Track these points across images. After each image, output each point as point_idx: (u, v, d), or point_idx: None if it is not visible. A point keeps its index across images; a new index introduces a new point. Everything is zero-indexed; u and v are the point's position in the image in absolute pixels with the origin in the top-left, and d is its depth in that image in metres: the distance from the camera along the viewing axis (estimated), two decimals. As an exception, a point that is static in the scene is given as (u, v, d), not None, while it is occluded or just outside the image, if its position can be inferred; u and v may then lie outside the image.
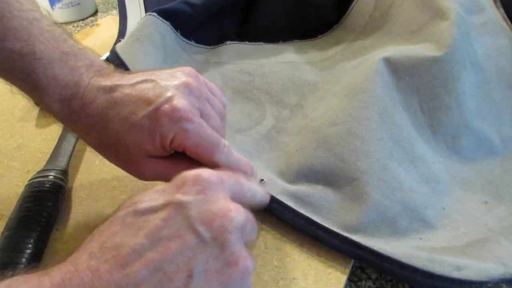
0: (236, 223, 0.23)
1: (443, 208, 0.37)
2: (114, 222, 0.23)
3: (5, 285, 0.20)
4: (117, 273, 0.21)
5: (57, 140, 0.42)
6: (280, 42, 0.56)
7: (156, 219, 0.23)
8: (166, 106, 0.29)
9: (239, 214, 0.24)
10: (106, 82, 0.31)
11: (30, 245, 0.31)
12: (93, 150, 0.32)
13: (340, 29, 0.56)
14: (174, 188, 0.24)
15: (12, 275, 0.21)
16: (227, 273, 0.22)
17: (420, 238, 0.35)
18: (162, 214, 0.23)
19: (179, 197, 0.23)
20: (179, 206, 0.23)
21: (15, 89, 0.33)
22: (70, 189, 0.38)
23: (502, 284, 0.30)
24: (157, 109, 0.29)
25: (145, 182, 0.37)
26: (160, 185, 0.25)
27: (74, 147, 0.41)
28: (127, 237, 0.22)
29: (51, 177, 0.36)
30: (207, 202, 0.23)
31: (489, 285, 0.29)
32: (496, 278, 0.30)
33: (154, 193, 0.24)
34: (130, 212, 0.23)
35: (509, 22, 0.48)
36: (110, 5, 0.76)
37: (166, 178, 0.28)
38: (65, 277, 0.21)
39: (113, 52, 0.49)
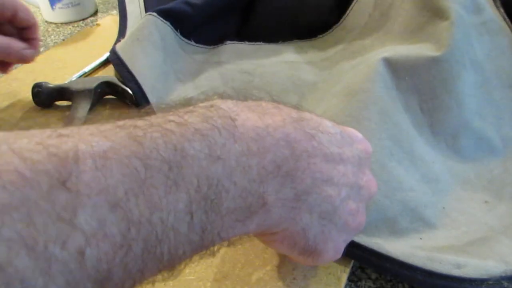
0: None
1: (444, 207, 0.37)
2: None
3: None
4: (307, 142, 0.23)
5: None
6: (279, 42, 0.56)
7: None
8: None
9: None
10: None
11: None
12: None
13: (340, 29, 0.56)
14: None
15: None
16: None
17: (421, 238, 0.35)
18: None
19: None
20: None
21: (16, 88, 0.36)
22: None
23: (503, 282, 0.30)
24: None
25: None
26: None
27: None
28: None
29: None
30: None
31: (490, 283, 0.29)
32: (497, 276, 0.30)
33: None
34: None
35: (509, 22, 0.48)
36: (110, 5, 0.76)
37: None
38: None
39: (113, 52, 0.49)
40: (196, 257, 0.21)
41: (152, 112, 0.20)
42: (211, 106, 0.21)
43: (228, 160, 0.20)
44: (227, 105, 0.22)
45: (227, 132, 0.20)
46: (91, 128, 0.18)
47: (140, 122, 0.19)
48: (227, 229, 0.20)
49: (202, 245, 0.20)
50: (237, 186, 0.20)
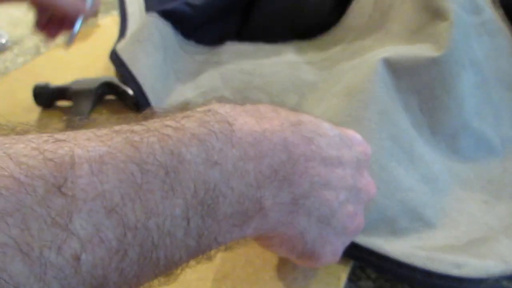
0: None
1: (443, 207, 0.37)
2: None
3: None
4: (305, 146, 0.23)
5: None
6: (279, 42, 0.56)
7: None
8: None
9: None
10: None
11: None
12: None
13: (339, 29, 0.56)
14: None
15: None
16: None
17: (420, 238, 0.35)
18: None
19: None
20: None
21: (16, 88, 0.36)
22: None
23: (502, 281, 0.30)
24: None
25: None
26: None
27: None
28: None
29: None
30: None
31: (489, 282, 0.30)
32: (496, 275, 0.30)
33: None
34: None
35: (508, 23, 0.48)
36: (110, 6, 0.76)
37: None
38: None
39: (114, 53, 0.49)
40: (193, 262, 0.21)
41: (149, 116, 0.20)
42: (209, 110, 0.21)
43: (225, 165, 0.20)
44: (225, 110, 0.22)
45: (224, 137, 0.20)
46: (88, 133, 0.18)
47: (137, 127, 0.19)
48: (224, 233, 0.20)
49: (199, 250, 0.20)
50: (234, 191, 0.20)
